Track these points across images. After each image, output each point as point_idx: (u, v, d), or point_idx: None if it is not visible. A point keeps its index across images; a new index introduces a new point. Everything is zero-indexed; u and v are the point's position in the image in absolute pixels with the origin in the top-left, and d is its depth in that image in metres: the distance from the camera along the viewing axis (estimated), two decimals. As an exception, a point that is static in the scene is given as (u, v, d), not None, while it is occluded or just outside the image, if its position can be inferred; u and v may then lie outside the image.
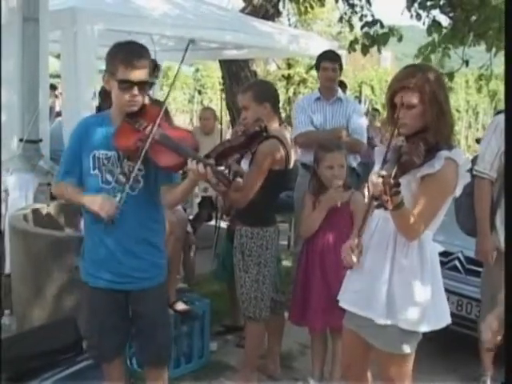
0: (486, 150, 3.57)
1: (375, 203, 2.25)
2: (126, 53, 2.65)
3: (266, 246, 3.55)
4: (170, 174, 2.75)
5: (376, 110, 12.22)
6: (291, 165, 3.65)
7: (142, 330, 2.91)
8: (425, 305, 2.56)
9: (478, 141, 14.13)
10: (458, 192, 2.56)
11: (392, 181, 2.20)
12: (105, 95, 3.88)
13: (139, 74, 2.63)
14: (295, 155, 3.70)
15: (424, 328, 2.59)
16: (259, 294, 3.57)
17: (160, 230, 2.90)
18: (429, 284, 2.57)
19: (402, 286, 2.55)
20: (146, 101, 2.80)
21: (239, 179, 3.28)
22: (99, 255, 2.81)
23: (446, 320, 2.66)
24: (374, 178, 2.24)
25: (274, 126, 3.57)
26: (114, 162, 2.73)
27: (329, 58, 4.92)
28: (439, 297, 2.64)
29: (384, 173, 2.24)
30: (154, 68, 5.97)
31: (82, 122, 2.94)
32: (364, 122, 5.21)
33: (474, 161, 3.56)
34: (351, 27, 7.76)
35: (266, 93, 3.59)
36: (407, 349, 2.62)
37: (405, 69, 2.61)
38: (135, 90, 2.63)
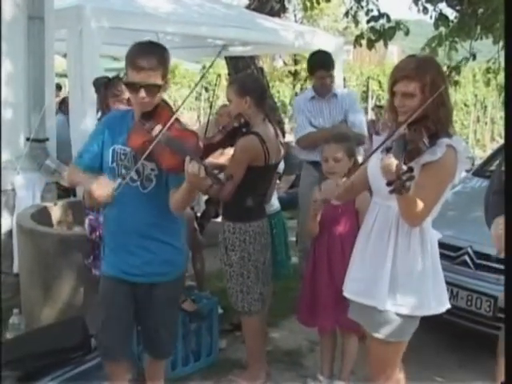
0: None
1: (389, 189, 2.25)
2: (133, 54, 2.62)
3: (249, 240, 3.54)
4: (178, 178, 2.65)
5: (380, 106, 12.19)
6: (273, 161, 3.58)
7: (145, 324, 2.96)
8: (426, 290, 2.62)
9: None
10: (457, 179, 2.60)
11: (405, 167, 2.22)
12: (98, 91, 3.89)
13: (144, 77, 2.58)
14: (277, 152, 3.58)
15: (425, 312, 2.65)
16: (244, 287, 3.59)
17: (174, 228, 2.88)
18: (429, 270, 2.63)
19: (404, 273, 2.61)
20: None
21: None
22: (114, 247, 2.86)
23: (445, 305, 2.71)
24: (388, 164, 2.27)
25: (257, 120, 3.52)
26: (129, 159, 2.74)
27: (324, 67, 4.79)
28: (438, 282, 2.69)
29: (394, 159, 2.27)
30: None
31: (112, 114, 3.01)
32: (361, 115, 5.15)
33: (494, 155, 3.52)
34: (356, 22, 7.71)
35: (248, 87, 3.52)
36: (405, 336, 2.69)
37: (406, 58, 2.67)
38: (142, 93, 2.60)
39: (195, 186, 2.55)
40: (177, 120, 2.70)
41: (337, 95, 4.92)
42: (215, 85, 5.54)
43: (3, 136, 4.51)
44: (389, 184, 2.24)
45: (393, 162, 2.27)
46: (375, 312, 2.64)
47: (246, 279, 3.58)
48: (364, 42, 6.87)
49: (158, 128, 2.62)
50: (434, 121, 2.52)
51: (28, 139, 4.76)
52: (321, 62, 4.85)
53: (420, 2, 7.02)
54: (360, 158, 4.69)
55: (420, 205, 2.44)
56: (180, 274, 2.97)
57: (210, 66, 2.83)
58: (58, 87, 9.11)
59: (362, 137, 4.84)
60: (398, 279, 2.61)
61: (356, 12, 7.53)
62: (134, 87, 2.62)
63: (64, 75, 10.60)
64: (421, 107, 2.45)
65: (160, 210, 2.76)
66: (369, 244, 2.70)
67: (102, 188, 2.58)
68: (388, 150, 2.41)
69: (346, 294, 2.82)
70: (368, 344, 2.83)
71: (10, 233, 4.67)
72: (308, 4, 8.81)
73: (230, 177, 2.64)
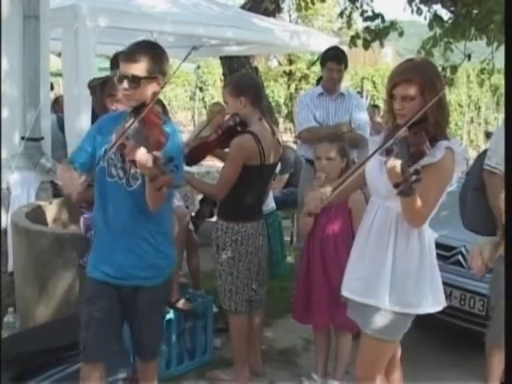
0: (498, 145, 3.39)
1: (395, 191, 2.30)
2: (125, 48, 2.70)
3: (241, 241, 3.55)
4: None
5: (375, 106, 12.19)
6: (270, 160, 3.59)
7: (130, 325, 2.96)
8: (423, 289, 2.67)
9: (488, 135, 13.82)
10: (455, 179, 2.65)
11: (412, 169, 2.28)
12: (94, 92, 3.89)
13: (127, 68, 2.63)
14: (274, 152, 3.60)
15: (422, 311, 2.70)
16: (233, 287, 3.61)
17: (159, 231, 2.84)
18: (427, 269, 2.68)
19: (402, 272, 2.65)
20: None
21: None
22: (100, 247, 2.85)
23: (441, 303, 2.76)
24: (394, 167, 2.31)
25: (253, 120, 3.53)
26: (118, 157, 2.73)
27: (335, 59, 4.88)
28: (435, 281, 2.74)
29: (399, 162, 2.32)
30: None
31: (107, 114, 3.03)
32: (366, 116, 5.20)
33: (481, 155, 3.54)
34: (349, 25, 7.73)
35: (242, 87, 3.53)
36: (397, 335, 2.75)
37: (405, 62, 2.70)
38: (124, 84, 2.64)
39: (148, 177, 2.45)
40: (156, 115, 2.62)
41: (344, 95, 4.98)
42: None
43: (-2, 135, 4.52)
44: (395, 186, 2.29)
45: (398, 164, 2.31)
46: (374, 310, 2.68)
47: (236, 279, 3.60)
48: (360, 41, 6.90)
49: (130, 122, 2.57)
50: (433, 123, 2.55)
51: (23, 138, 4.75)
52: (332, 54, 4.95)
53: (414, 3, 7.04)
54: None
55: (422, 207, 2.48)
56: (165, 280, 2.91)
57: (184, 61, 2.72)
58: (51, 86, 9.08)
59: (364, 138, 4.85)
60: (396, 278, 2.64)
61: (351, 13, 7.55)
62: (119, 79, 2.66)
63: (58, 74, 10.59)
64: (421, 110, 2.48)
65: (145, 209, 2.71)
66: (368, 243, 2.73)
67: (67, 181, 2.64)
68: (388, 153, 2.43)
69: (344, 292, 2.85)
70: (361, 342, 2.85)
71: (4, 231, 4.66)
72: (303, 4, 8.83)
73: (175, 168, 2.50)
